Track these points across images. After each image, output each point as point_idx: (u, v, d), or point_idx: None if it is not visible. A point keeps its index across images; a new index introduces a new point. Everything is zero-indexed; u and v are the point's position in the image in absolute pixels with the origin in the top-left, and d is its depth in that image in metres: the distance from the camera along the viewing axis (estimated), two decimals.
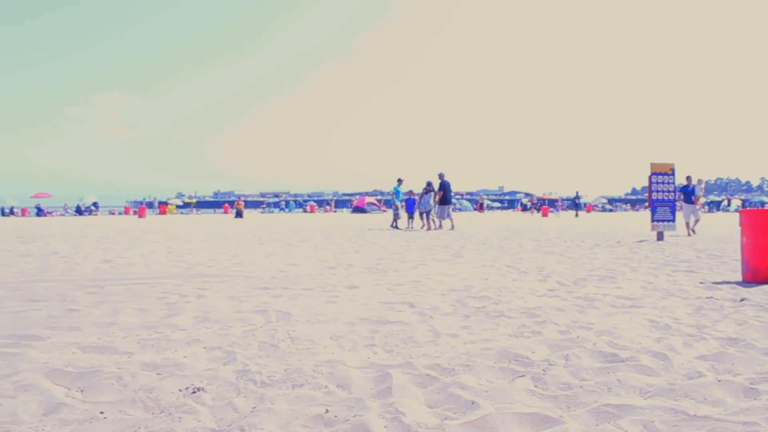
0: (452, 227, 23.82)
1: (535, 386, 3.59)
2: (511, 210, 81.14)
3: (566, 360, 4.15)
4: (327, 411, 3.12)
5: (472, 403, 3.25)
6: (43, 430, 2.87)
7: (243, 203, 53.42)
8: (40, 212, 56.02)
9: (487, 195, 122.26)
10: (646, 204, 21.78)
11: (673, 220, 17.35)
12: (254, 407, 3.16)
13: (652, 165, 17.41)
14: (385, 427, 2.93)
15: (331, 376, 3.74)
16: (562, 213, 55.83)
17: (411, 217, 25.36)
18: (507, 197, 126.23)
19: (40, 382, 3.63)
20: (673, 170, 17.53)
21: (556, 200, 65.66)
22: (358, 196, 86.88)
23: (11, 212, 57.66)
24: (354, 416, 3.04)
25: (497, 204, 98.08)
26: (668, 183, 17.50)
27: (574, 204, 52.00)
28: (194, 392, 3.40)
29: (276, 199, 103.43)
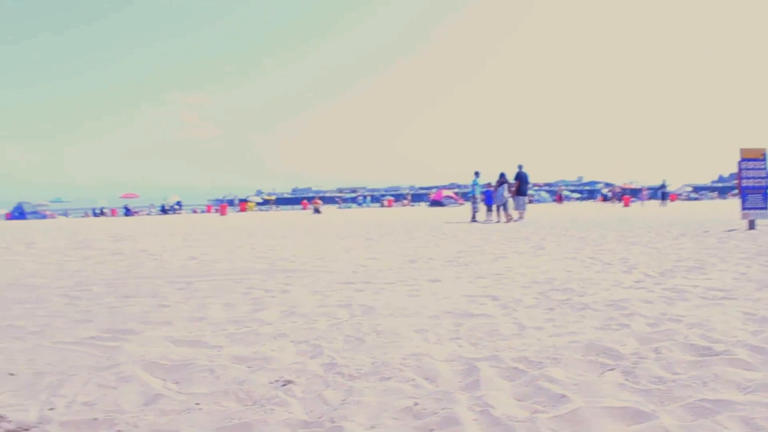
0: (519, 218, 23.90)
1: (626, 380, 3.52)
2: (591, 200, 79.23)
3: (657, 353, 4.04)
4: (416, 404, 3.13)
5: (562, 397, 3.21)
6: (144, 419, 3.00)
7: (320, 201, 54.20)
8: (127, 212, 58.22)
9: (566, 185, 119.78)
10: (735, 191, 20.91)
11: (766, 208, 16.59)
12: (344, 400, 3.21)
13: (743, 150, 16.70)
14: (475, 420, 2.93)
15: (418, 369, 3.76)
16: (646, 203, 54.12)
17: (489, 209, 25.15)
18: (586, 187, 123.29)
19: (138, 373, 3.78)
20: (765, 155, 16.76)
21: (639, 189, 63.61)
22: (435, 190, 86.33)
23: (102, 212, 60.11)
24: (443, 409, 3.05)
25: (576, 195, 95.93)
26: (760, 169, 16.74)
27: (660, 193, 50.25)
28: (284, 385, 3.48)
29: (353, 194, 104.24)
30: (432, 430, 2.84)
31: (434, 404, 3.13)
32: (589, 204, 64.80)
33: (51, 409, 3.21)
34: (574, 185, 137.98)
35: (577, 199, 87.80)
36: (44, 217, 53.36)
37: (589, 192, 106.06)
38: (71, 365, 4.08)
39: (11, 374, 3.91)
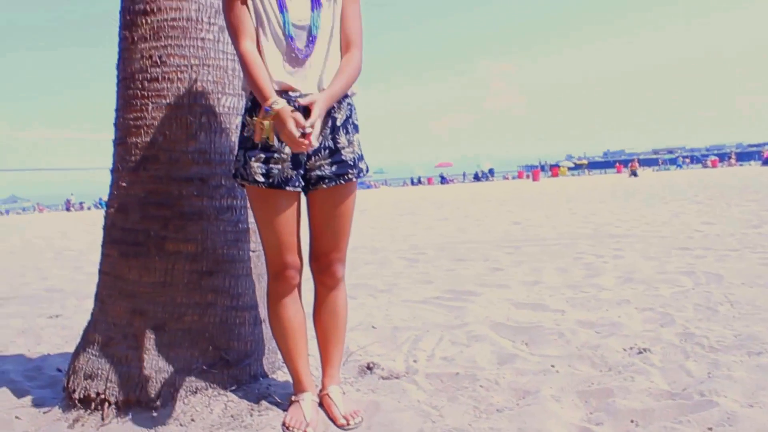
0: None
1: None
2: None
3: None
4: None
5: None
6: (504, 377, 3.08)
7: (637, 162, 51.60)
8: (443, 180, 61.07)
9: None
10: None
11: None
12: (709, 373, 2.98)
13: None
14: None
15: None
16: None
17: None
18: None
19: (487, 333, 3.92)
20: None
21: None
22: (767, 147, 76.86)
23: (419, 181, 63.83)
24: None
25: None
26: None
27: None
28: (640, 353, 3.34)
29: (671, 156, 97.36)
30: None
31: None
32: None
33: (414, 361, 3.46)
34: None
35: None
36: (369, 186, 58.13)
37: None
38: (424, 322, 4.38)
39: (373, 327, 4.31)
